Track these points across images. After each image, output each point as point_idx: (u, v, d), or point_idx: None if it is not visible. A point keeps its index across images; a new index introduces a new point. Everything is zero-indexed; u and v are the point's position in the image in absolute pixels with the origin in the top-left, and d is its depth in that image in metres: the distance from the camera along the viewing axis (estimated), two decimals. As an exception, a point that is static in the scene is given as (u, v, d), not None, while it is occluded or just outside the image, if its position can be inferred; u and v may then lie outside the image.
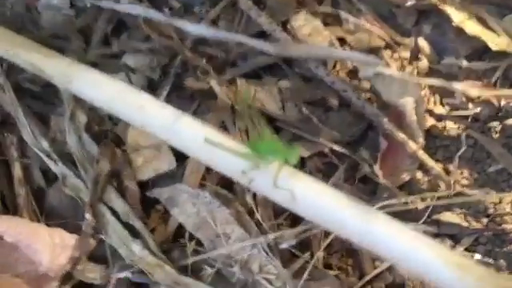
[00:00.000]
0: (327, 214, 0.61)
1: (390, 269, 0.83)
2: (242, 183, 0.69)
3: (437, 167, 0.87)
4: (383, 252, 0.59)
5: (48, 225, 0.84)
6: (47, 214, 0.88)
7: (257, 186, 0.66)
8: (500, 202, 0.88)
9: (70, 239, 0.81)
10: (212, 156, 0.70)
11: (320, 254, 0.79)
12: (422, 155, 0.88)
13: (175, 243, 0.83)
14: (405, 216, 0.88)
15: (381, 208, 0.73)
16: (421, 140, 0.89)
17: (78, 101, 0.91)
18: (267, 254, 0.74)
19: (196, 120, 0.76)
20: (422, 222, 0.86)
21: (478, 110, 0.96)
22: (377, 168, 0.88)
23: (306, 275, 0.69)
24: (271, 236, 0.74)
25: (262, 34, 0.97)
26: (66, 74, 0.86)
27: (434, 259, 0.56)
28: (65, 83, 0.87)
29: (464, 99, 0.98)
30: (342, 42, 1.02)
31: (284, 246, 0.75)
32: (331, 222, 0.62)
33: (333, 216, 0.61)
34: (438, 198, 0.85)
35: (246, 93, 0.75)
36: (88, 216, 0.81)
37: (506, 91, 0.93)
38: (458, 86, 0.89)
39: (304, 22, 1.01)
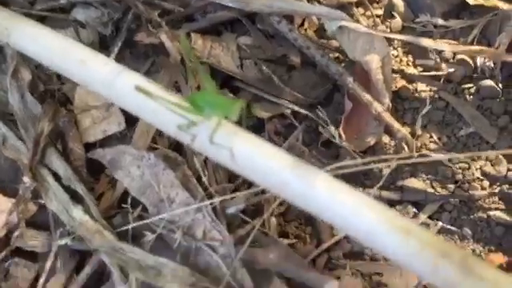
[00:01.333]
0: (267, 174, 0.56)
1: (348, 237, 0.78)
2: (183, 142, 0.63)
3: (403, 130, 0.82)
4: (326, 216, 0.54)
5: (-14, 189, 0.79)
6: (-14, 177, 0.83)
7: (197, 143, 0.60)
8: (469, 168, 0.83)
9: (6, 203, 0.76)
10: (151, 113, 0.65)
11: (273, 220, 0.74)
12: (388, 117, 0.82)
13: (121, 209, 0.78)
14: (367, 182, 0.83)
15: (337, 169, 0.68)
16: (387, 101, 0.84)
17: (23, 57, 0.85)
18: (212, 219, 0.69)
19: (139, 75, 0.70)
20: (384, 187, 0.81)
21: (452, 70, 0.90)
22: (340, 130, 0.83)
23: (249, 241, 0.64)
24: (217, 200, 0.69)
25: (223, -12, 0.91)
26: (5, 27, 0.79)
27: (377, 224, 0.50)
28: (4, 37, 0.80)
29: (438, 60, 0.92)
30: (312, -4, 0.96)
31: (231, 210, 0.70)
32: (271, 182, 0.56)
33: (273, 176, 0.56)
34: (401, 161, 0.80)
35: (183, 41, 0.69)
36: (26, 179, 0.76)
37: (482, 48, 0.86)
38: (429, 43, 0.84)
39: (269, -25, 0.95)
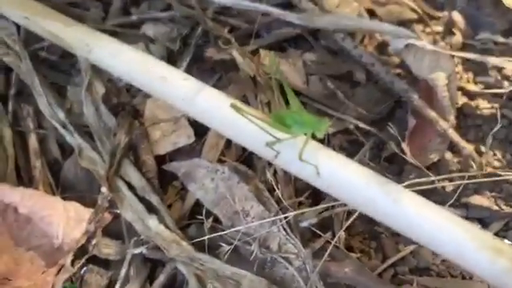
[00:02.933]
0: (354, 192, 0.58)
1: (414, 252, 0.79)
2: (265, 157, 0.65)
3: (469, 147, 0.82)
4: (413, 233, 0.55)
5: (63, 198, 0.82)
6: (63, 187, 0.86)
7: (281, 160, 0.62)
8: (534, 186, 0.83)
9: (85, 213, 0.79)
10: (235, 128, 0.67)
11: (342, 234, 0.75)
12: (453, 134, 0.83)
13: (192, 220, 0.80)
14: (432, 199, 0.83)
15: (407, 187, 0.69)
16: (452, 118, 0.84)
17: (96, 71, 0.89)
18: (287, 232, 0.71)
19: (218, 92, 0.73)
20: (450, 204, 0.82)
21: (513, 87, 0.90)
22: (405, 146, 0.84)
23: (326, 255, 0.66)
24: (291, 214, 0.71)
25: (288, 5, 0.93)
26: (86, 43, 0.83)
27: (467, 241, 0.52)
28: (84, 52, 0.84)
29: (499, 77, 0.93)
30: (372, 14, 0.98)
31: (304, 224, 0.72)
32: (357, 200, 0.58)
33: (359, 194, 0.57)
34: (468, 179, 0.81)
35: (271, 61, 0.71)
36: (104, 190, 0.79)
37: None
38: (493, 60, 0.84)
39: (331, -7, 0.97)
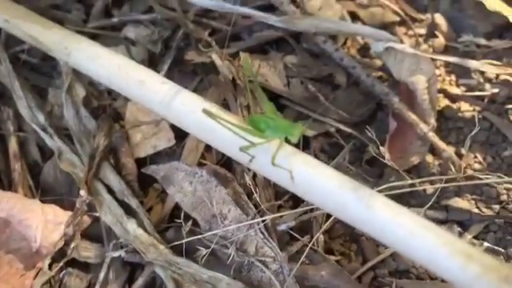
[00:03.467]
0: (327, 197, 0.58)
1: (394, 255, 0.79)
2: (241, 162, 0.65)
3: (448, 150, 0.83)
4: (385, 238, 0.55)
5: (43, 201, 0.82)
6: (42, 190, 0.86)
7: (256, 164, 0.62)
8: (513, 189, 0.83)
9: (64, 216, 0.79)
10: (210, 133, 0.67)
11: (320, 237, 0.75)
12: (433, 137, 0.83)
13: (171, 223, 0.80)
14: (412, 201, 0.84)
15: (385, 190, 0.69)
16: (432, 121, 0.85)
17: (77, 74, 0.89)
18: (264, 235, 0.71)
19: (196, 95, 0.72)
20: (429, 207, 0.82)
21: (496, 91, 0.91)
22: (384, 149, 0.84)
23: (303, 258, 0.65)
24: (269, 217, 0.71)
25: (270, 8, 0.93)
26: (65, 46, 0.83)
27: (438, 247, 0.52)
28: (63, 55, 0.84)
29: (481, 80, 0.93)
30: (354, 16, 0.98)
31: (282, 227, 0.72)
32: (331, 205, 0.58)
33: (332, 199, 0.57)
34: (447, 182, 0.81)
35: (246, 63, 0.71)
36: (83, 193, 0.78)
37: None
38: (474, 64, 0.84)
39: (314, -5, 0.97)
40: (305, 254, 0.67)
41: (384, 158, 0.82)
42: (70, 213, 0.79)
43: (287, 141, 0.63)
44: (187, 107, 0.70)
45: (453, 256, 0.51)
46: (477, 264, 0.51)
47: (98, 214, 0.80)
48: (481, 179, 0.81)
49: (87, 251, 0.80)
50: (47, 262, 0.76)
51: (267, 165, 0.61)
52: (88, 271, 0.81)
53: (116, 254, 0.77)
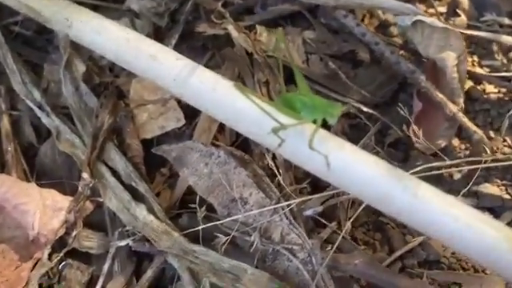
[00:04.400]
0: (368, 186, 0.51)
1: (423, 244, 0.74)
2: (267, 146, 0.58)
3: (480, 132, 0.77)
4: (436, 232, 0.50)
5: (39, 185, 0.74)
6: (38, 174, 0.79)
7: (286, 149, 0.55)
8: (547, 173, 0.78)
9: (64, 201, 0.71)
10: (233, 113, 0.60)
11: (348, 224, 0.69)
12: (463, 118, 0.78)
13: (183, 209, 0.73)
14: (439, 188, 0.78)
15: (414, 174, 0.63)
16: (461, 101, 0.79)
17: (76, 48, 0.81)
18: (290, 221, 0.64)
19: (214, 73, 0.66)
20: (457, 193, 0.77)
21: (522, 71, 0.86)
22: (412, 130, 0.78)
23: (336, 245, 0.59)
24: (295, 201, 0.64)
25: (284, -20, 0.87)
26: (66, 17, 0.75)
27: (500, 241, 0.46)
28: (64, 27, 0.76)
29: (505, 61, 0.88)
30: (371, -8, 0.92)
31: (309, 212, 0.66)
32: (372, 195, 0.52)
33: (375, 188, 0.51)
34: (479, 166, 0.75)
35: (279, 37, 0.64)
36: (85, 176, 0.71)
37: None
38: (505, 39, 0.79)
39: (330, -31, 0.91)
40: (338, 241, 0.60)
41: (412, 140, 0.76)
42: (70, 198, 0.72)
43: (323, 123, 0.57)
44: (206, 85, 0.63)
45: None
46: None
47: (101, 200, 0.73)
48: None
49: (89, 241, 0.73)
50: (46, 252, 0.69)
51: (299, 149, 0.54)
52: (90, 263, 0.74)
53: (122, 243, 0.70)
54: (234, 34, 0.77)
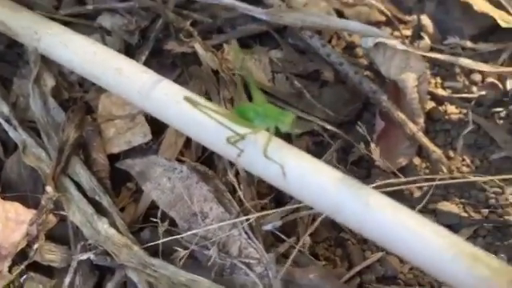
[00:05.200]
0: (321, 194, 0.53)
1: (381, 260, 0.75)
2: (227, 156, 0.60)
3: (438, 151, 0.80)
4: (385, 240, 0.51)
5: (3, 198, 0.75)
6: (4, 186, 0.79)
7: (244, 158, 0.57)
8: (502, 193, 0.81)
9: (27, 214, 0.71)
10: (194, 125, 0.62)
11: (307, 239, 0.70)
12: (422, 138, 0.80)
13: (146, 224, 0.74)
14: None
15: (383, 187, 0.65)
16: (421, 121, 0.82)
17: (46, 63, 0.83)
18: (248, 235, 0.65)
19: (178, 86, 0.67)
20: (418, 210, 0.79)
21: (483, 93, 0.89)
22: (373, 147, 0.80)
23: (291, 259, 0.61)
24: (254, 216, 0.65)
25: (253, 1, 0.89)
26: (35, 31, 0.77)
27: (445, 248, 0.48)
28: (32, 41, 0.78)
29: (467, 82, 0.91)
30: (340, 15, 0.95)
31: (268, 227, 0.67)
32: (325, 203, 0.53)
33: (327, 197, 0.53)
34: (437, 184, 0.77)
35: (235, 52, 0.66)
36: (49, 189, 0.72)
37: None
38: (467, 63, 0.82)
39: (299, -9, 0.93)
40: (293, 255, 0.62)
41: (372, 157, 0.78)
42: (33, 211, 0.72)
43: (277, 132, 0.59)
44: (169, 97, 0.65)
45: (459, 258, 0.48)
46: (484, 266, 0.48)
47: (64, 213, 0.73)
48: (471, 181, 0.79)
49: (51, 254, 0.73)
50: (7, 264, 0.69)
51: (256, 159, 0.56)
52: (52, 276, 0.74)
53: (84, 257, 0.71)
54: (201, 52, 0.79)
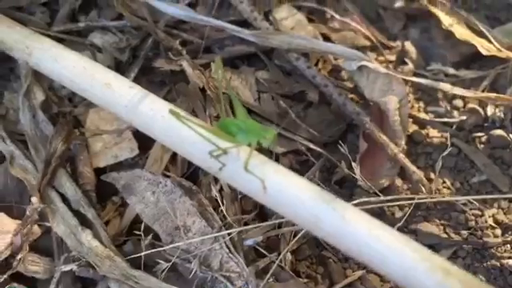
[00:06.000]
0: (299, 208, 0.54)
1: (362, 279, 0.76)
2: (209, 170, 0.61)
3: (418, 172, 0.81)
4: (361, 253, 0.53)
5: (-11, 208, 0.75)
6: (-10, 197, 0.80)
7: (226, 173, 0.59)
8: (482, 215, 0.82)
9: (12, 225, 0.72)
10: (178, 139, 0.63)
11: (288, 255, 0.71)
12: (403, 159, 0.82)
13: (130, 237, 0.75)
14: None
15: (362, 204, 0.67)
16: (403, 143, 0.84)
17: (37, 77, 0.84)
18: (230, 250, 0.66)
19: (164, 101, 0.69)
20: (399, 230, 0.79)
21: (464, 118, 0.91)
22: (356, 168, 0.82)
23: (270, 274, 0.62)
24: (235, 230, 0.67)
25: (243, 23, 0.92)
26: (27, 46, 0.79)
27: (417, 262, 0.49)
28: (24, 55, 0.80)
29: (449, 107, 0.94)
30: (326, 39, 0.97)
31: (249, 242, 0.68)
32: (303, 216, 0.55)
33: (305, 210, 0.54)
34: (417, 204, 0.79)
35: (218, 66, 0.68)
36: (34, 200, 0.73)
37: (499, 95, 0.87)
38: (446, 87, 0.85)
39: (287, 15, 0.96)
40: (272, 269, 0.63)
41: (355, 177, 0.80)
42: (18, 222, 0.73)
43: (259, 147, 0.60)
44: (155, 112, 0.66)
45: (431, 271, 0.49)
46: (455, 280, 0.49)
47: (49, 225, 0.74)
48: (451, 203, 0.80)
49: (35, 265, 0.74)
50: (-10, 273, 0.70)
51: (238, 173, 0.58)
52: (35, 287, 0.74)
53: (67, 269, 0.71)
54: (188, 70, 0.81)
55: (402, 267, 0.50)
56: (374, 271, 0.75)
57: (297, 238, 0.68)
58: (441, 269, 0.49)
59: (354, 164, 0.78)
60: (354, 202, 0.67)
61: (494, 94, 0.86)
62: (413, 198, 0.73)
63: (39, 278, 0.74)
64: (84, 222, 0.74)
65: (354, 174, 0.81)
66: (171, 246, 0.67)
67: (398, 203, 0.74)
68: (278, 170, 0.59)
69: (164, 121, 0.64)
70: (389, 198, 0.73)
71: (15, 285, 0.73)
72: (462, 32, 0.93)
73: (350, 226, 0.52)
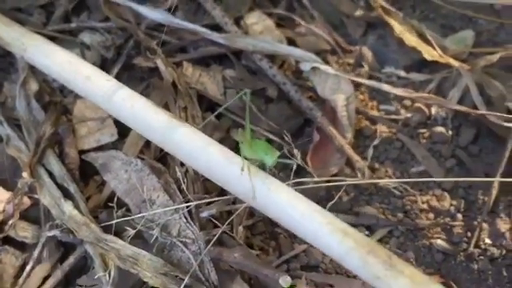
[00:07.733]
0: (235, 181, 0.67)
1: (307, 251, 0.88)
2: (165, 149, 0.74)
3: (361, 161, 0.93)
4: (283, 220, 0.65)
5: (-14, 183, 0.88)
6: (-12, 174, 0.92)
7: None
8: (417, 201, 0.93)
9: (5, 195, 0.85)
10: (143, 126, 0.76)
11: (240, 228, 0.83)
12: (349, 150, 0.94)
13: (106, 209, 0.87)
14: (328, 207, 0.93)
15: (298, 184, 0.78)
16: (349, 136, 0.95)
17: (33, 71, 0.97)
18: (187, 219, 0.79)
19: (135, 92, 0.81)
20: (343, 212, 0.92)
21: (409, 115, 1.02)
22: (307, 159, 0.94)
23: (215, 238, 0.74)
24: (193, 203, 0.79)
25: (216, 27, 1.04)
26: (22, 42, 0.91)
27: (323, 225, 0.61)
28: (20, 50, 0.92)
29: (399, 107, 1.05)
30: (292, 42, 1.09)
31: (204, 214, 0.80)
32: (239, 189, 0.67)
33: (240, 183, 0.66)
34: (360, 190, 0.91)
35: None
36: (25, 175, 0.85)
37: (439, 98, 0.99)
38: (388, 88, 0.96)
39: (257, 20, 1.08)
40: (217, 235, 0.75)
41: (307, 166, 0.92)
42: (10, 193, 0.86)
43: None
44: (126, 102, 0.79)
45: (333, 233, 0.61)
46: (351, 239, 0.61)
47: (37, 197, 0.86)
48: (390, 189, 0.92)
49: (24, 231, 0.86)
50: (-15, 236, 0.82)
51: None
52: (24, 251, 0.87)
53: (51, 234, 0.83)
54: (162, 67, 0.93)
55: (312, 230, 0.62)
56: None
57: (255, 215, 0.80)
58: (341, 230, 0.61)
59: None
60: (290, 181, 0.78)
61: (436, 96, 0.97)
62: (344, 180, 0.85)
63: (28, 242, 0.86)
64: (67, 194, 0.86)
65: (307, 163, 0.93)
66: (138, 215, 0.79)
67: (329, 184, 0.86)
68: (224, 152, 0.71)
69: (133, 110, 0.76)
70: (323, 179, 0.84)
71: (7, 247, 0.85)
72: (410, 39, 1.05)
73: (273, 196, 0.64)
